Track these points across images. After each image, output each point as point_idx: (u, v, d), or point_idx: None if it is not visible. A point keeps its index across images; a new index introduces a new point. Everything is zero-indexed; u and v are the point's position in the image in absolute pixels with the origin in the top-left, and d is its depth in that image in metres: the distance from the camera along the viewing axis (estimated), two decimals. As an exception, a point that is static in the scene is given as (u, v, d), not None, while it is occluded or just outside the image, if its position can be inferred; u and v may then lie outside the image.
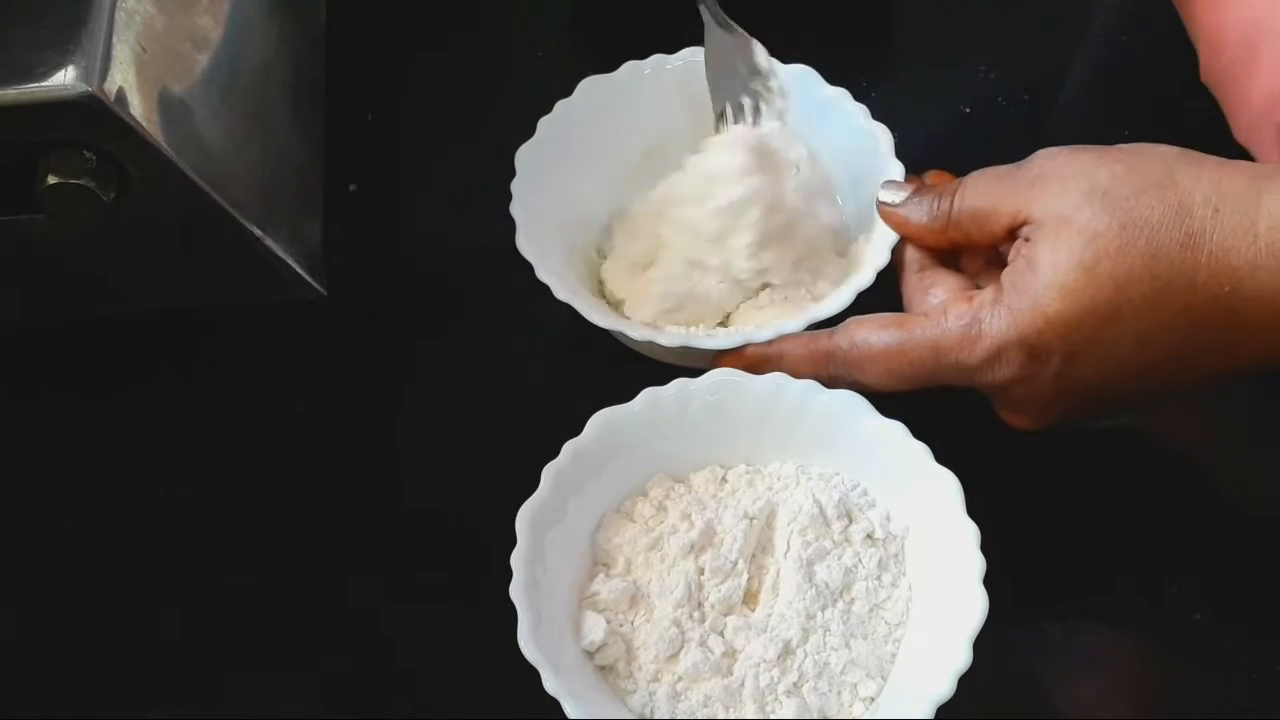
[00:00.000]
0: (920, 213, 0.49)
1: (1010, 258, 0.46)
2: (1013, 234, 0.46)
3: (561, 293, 0.50)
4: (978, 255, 0.49)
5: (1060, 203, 0.44)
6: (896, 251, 0.50)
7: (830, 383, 0.48)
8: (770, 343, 0.49)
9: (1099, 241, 0.43)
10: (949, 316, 0.46)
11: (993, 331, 0.45)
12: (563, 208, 0.55)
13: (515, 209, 0.52)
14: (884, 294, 0.50)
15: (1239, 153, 0.51)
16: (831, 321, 0.50)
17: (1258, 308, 0.42)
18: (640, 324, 0.52)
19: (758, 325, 0.51)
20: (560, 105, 0.55)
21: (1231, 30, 0.51)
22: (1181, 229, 0.42)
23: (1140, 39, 0.64)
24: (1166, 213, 0.43)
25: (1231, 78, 0.51)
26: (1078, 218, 0.43)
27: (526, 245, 0.51)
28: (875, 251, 0.51)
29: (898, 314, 0.48)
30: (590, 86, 0.56)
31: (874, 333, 0.47)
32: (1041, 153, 0.47)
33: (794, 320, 0.50)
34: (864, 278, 0.50)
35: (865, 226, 0.53)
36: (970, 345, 0.45)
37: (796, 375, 0.48)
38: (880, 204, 0.51)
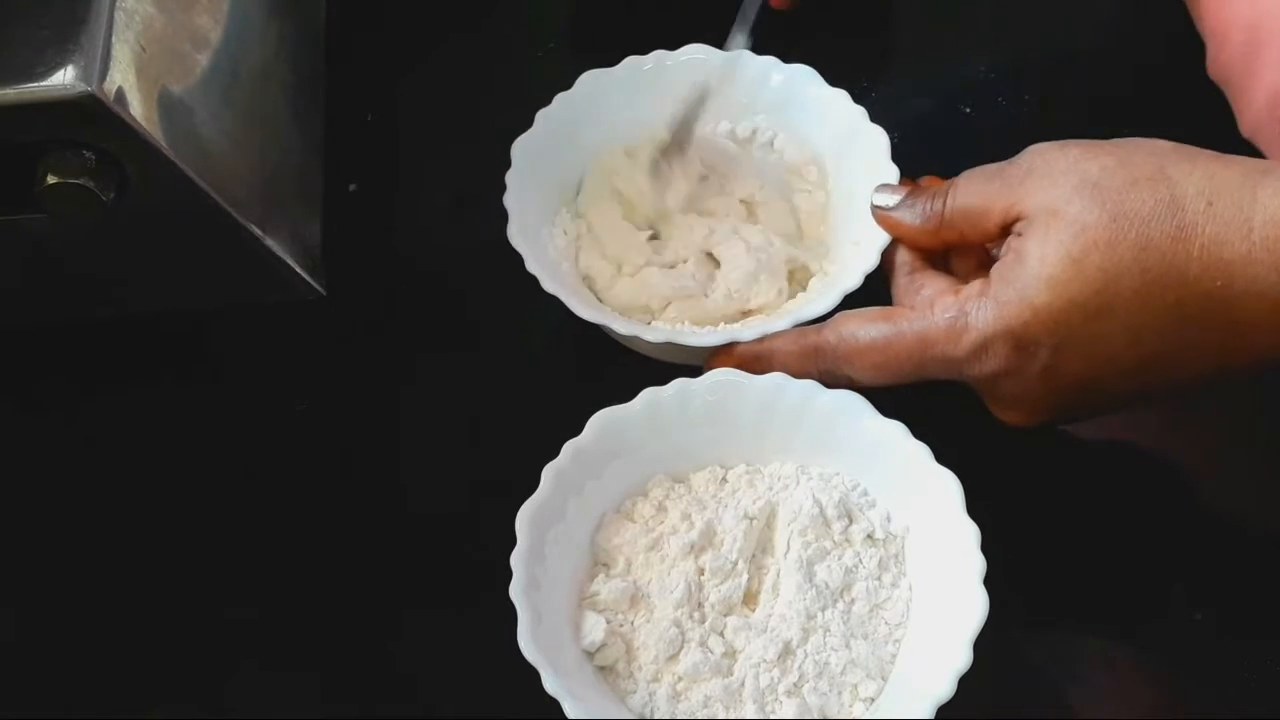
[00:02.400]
0: (913, 215, 0.49)
1: (1000, 254, 0.46)
2: (1005, 231, 0.46)
3: (549, 284, 0.50)
4: (970, 256, 0.49)
5: (1050, 196, 0.44)
6: (886, 255, 0.50)
7: (820, 378, 0.48)
8: (761, 339, 0.49)
9: (1088, 234, 0.43)
10: (935, 309, 0.46)
11: (978, 324, 0.45)
12: (558, 201, 0.55)
13: (509, 200, 0.52)
14: (874, 296, 0.50)
15: (1243, 152, 0.51)
16: (819, 323, 0.50)
17: (1250, 304, 0.42)
18: (626, 320, 0.52)
19: (744, 324, 0.51)
20: (559, 98, 0.55)
21: (1236, 26, 0.50)
22: (1173, 222, 0.42)
23: (1140, 38, 0.64)
24: (1158, 206, 0.42)
25: (1237, 73, 0.51)
26: (1067, 210, 0.43)
27: (518, 238, 0.51)
28: (864, 255, 0.51)
29: (886, 308, 0.48)
30: (590, 80, 0.56)
31: (862, 326, 0.47)
32: (1031, 148, 0.47)
33: (780, 320, 0.50)
34: (852, 280, 0.50)
35: (855, 230, 0.53)
36: (956, 338, 0.45)
37: (786, 371, 0.48)
38: (874, 208, 0.51)
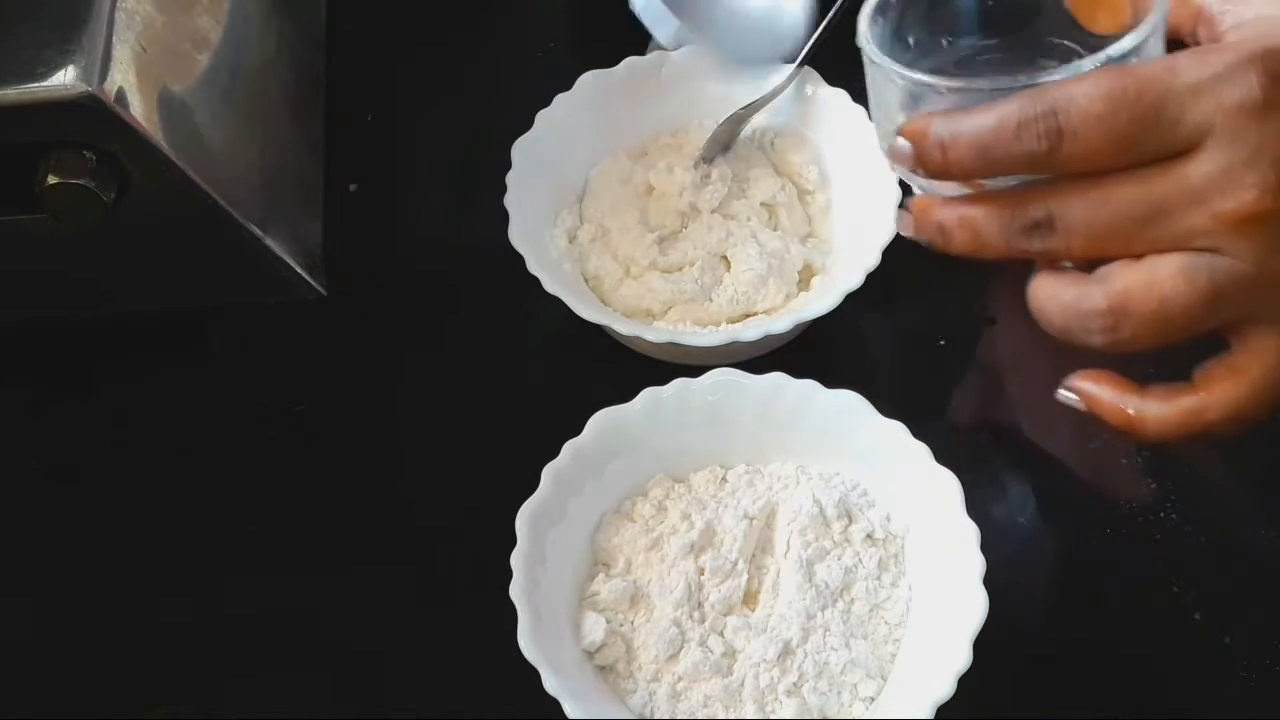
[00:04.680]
0: None
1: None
2: None
3: (551, 285, 0.50)
4: None
5: None
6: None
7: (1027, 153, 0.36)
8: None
9: None
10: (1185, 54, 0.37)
11: (1235, 39, 0.37)
12: (559, 201, 0.55)
13: (509, 201, 0.52)
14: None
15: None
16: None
17: None
18: (628, 320, 0.52)
19: (745, 324, 0.51)
20: (559, 99, 0.55)
21: None
22: None
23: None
24: None
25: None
26: None
27: (519, 238, 0.51)
28: (866, 253, 0.51)
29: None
30: (590, 81, 0.56)
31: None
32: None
33: (781, 320, 0.50)
34: (854, 279, 0.50)
35: (857, 229, 0.53)
36: (1204, 55, 0.36)
37: (987, 150, 0.36)
38: None
